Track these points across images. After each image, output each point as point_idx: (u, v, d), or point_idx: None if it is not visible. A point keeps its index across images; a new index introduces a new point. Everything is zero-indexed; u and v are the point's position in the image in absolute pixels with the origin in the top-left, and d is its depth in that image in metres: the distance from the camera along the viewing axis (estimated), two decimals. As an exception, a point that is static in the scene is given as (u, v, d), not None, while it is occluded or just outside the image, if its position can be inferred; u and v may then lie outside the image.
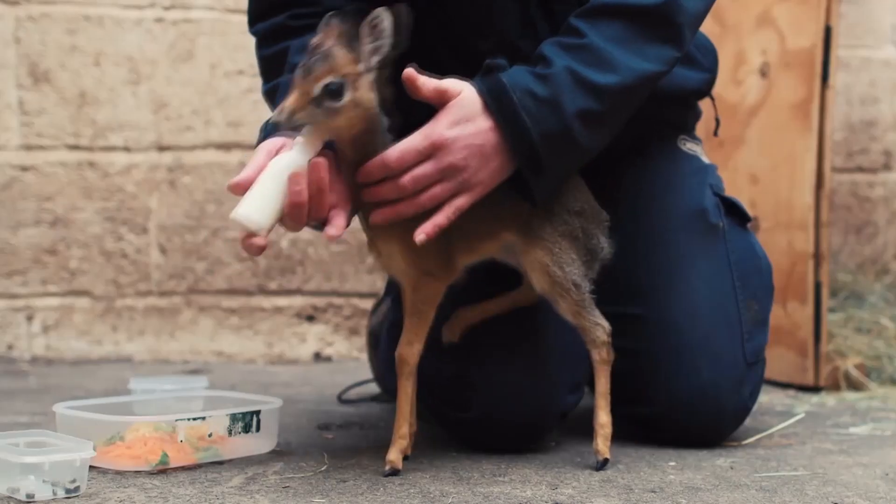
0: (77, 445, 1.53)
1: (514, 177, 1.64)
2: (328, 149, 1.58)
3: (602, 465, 1.70)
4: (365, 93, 1.54)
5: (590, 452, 1.82)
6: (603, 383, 1.71)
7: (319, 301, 3.40)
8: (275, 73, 1.85)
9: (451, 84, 1.60)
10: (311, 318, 3.40)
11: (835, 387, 2.70)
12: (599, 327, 1.71)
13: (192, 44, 3.32)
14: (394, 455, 1.66)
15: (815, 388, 2.68)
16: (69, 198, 3.27)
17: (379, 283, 3.38)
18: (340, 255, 3.40)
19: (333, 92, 1.50)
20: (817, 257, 2.71)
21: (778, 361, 2.70)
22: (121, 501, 1.48)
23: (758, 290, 1.96)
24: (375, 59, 1.54)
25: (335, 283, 3.40)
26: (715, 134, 2.15)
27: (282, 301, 3.38)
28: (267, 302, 3.37)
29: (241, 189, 1.53)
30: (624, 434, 1.98)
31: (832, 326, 2.93)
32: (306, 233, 3.37)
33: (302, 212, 1.54)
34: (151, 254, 3.32)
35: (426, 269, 1.64)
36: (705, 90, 2.07)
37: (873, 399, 2.56)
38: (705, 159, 2.08)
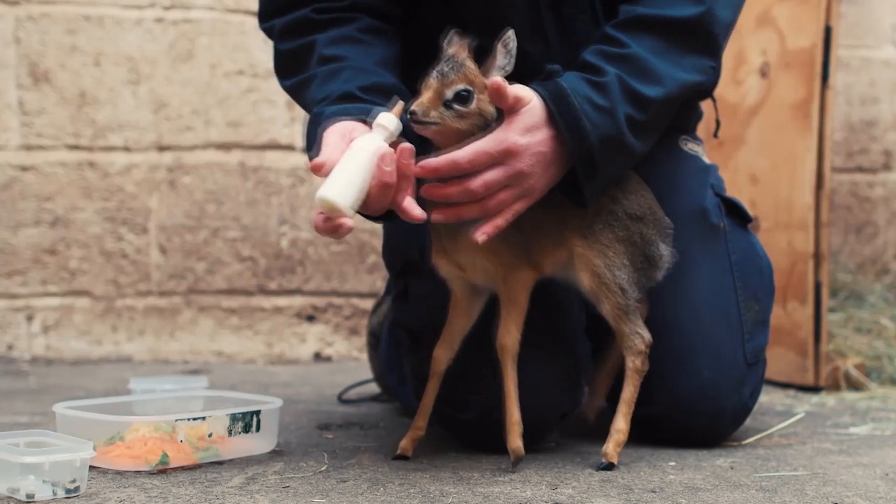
0: (77, 445, 1.52)
1: (563, 181, 1.68)
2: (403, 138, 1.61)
3: (606, 467, 1.70)
4: (487, 103, 1.63)
5: (590, 452, 1.82)
6: (630, 391, 1.74)
7: (319, 301, 3.40)
8: (300, 66, 1.84)
9: (523, 92, 1.62)
10: (311, 318, 3.40)
11: (835, 387, 2.70)
12: (639, 336, 1.74)
13: (192, 44, 3.32)
14: (514, 443, 1.69)
15: (815, 388, 2.68)
16: (69, 198, 3.28)
17: (379, 283, 3.38)
18: (340, 255, 3.41)
19: (464, 98, 1.60)
20: (817, 257, 2.71)
21: (778, 361, 2.70)
22: (121, 501, 1.48)
23: (759, 290, 1.96)
24: (501, 75, 1.62)
25: (335, 283, 3.40)
26: (715, 135, 2.15)
27: (282, 301, 3.38)
28: (267, 302, 3.37)
29: (325, 170, 1.54)
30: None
31: (832, 326, 2.93)
32: (306, 233, 3.37)
33: (389, 193, 1.55)
34: (151, 254, 3.32)
35: (510, 262, 1.69)
36: (708, 91, 2.07)
37: (873, 399, 2.56)
38: (706, 160, 2.08)
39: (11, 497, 1.48)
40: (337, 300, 3.41)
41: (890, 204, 3.66)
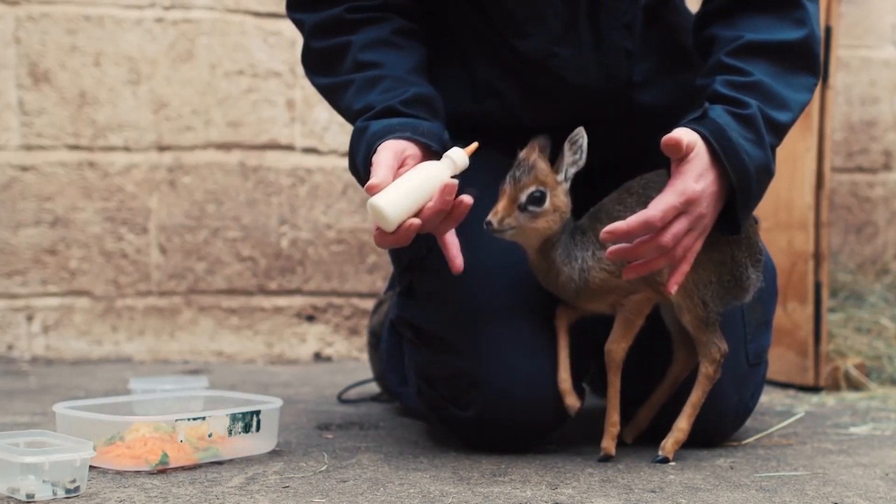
0: (77, 445, 1.52)
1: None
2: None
3: (662, 460, 1.78)
4: (561, 198, 1.72)
5: (590, 452, 1.83)
6: (698, 395, 1.81)
7: (319, 301, 3.40)
8: (334, 67, 1.87)
9: (690, 136, 1.67)
10: (311, 318, 3.40)
11: (835, 387, 2.70)
12: (716, 346, 1.79)
13: (192, 44, 3.32)
14: (607, 442, 1.78)
15: (815, 388, 2.68)
16: (69, 198, 3.28)
17: (379, 283, 3.38)
18: (340, 255, 3.41)
19: (537, 199, 1.70)
20: (817, 257, 2.71)
21: (778, 361, 2.70)
22: (121, 501, 1.48)
23: (761, 292, 1.96)
24: (572, 171, 1.73)
25: (335, 283, 3.40)
26: None
27: (282, 301, 3.38)
28: (267, 302, 3.37)
29: (376, 190, 1.60)
30: (624, 434, 1.98)
31: (832, 326, 2.93)
32: (306, 233, 3.37)
33: (439, 219, 1.63)
34: (151, 254, 3.32)
35: (633, 288, 1.75)
36: None
37: (873, 399, 2.56)
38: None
39: (11, 497, 1.48)
40: (337, 300, 3.41)
41: (890, 204, 3.66)
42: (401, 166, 1.66)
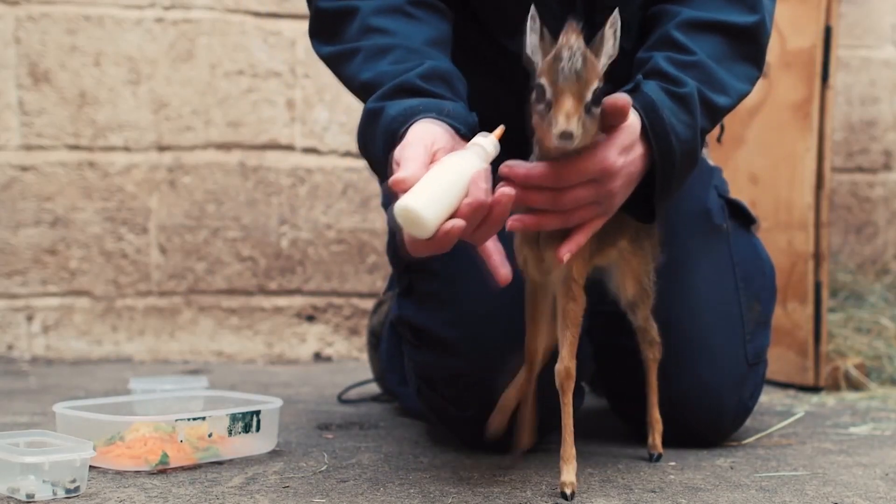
0: (77, 445, 1.52)
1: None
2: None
3: (658, 458, 1.77)
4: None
5: (590, 452, 1.82)
6: (654, 380, 1.80)
7: (319, 301, 3.40)
8: (340, 32, 1.70)
9: (630, 104, 1.50)
10: (311, 318, 3.40)
11: (835, 387, 2.70)
12: (654, 328, 1.79)
13: (192, 44, 3.32)
14: (570, 476, 1.54)
15: (815, 388, 2.68)
16: (69, 198, 3.28)
17: (379, 283, 3.38)
18: (340, 255, 3.41)
19: (598, 98, 1.40)
20: (817, 257, 2.71)
21: (778, 361, 2.70)
22: (121, 501, 1.48)
23: (761, 291, 1.96)
24: (606, 63, 1.45)
25: (335, 283, 3.40)
26: (718, 140, 2.15)
27: (282, 301, 3.38)
28: (267, 302, 3.37)
29: (405, 186, 1.36)
30: (624, 433, 1.98)
31: (832, 326, 2.93)
32: (306, 233, 3.37)
33: (479, 217, 1.38)
34: (151, 254, 3.32)
35: (577, 275, 1.56)
36: None
37: (873, 399, 2.56)
38: (710, 161, 2.08)
39: (11, 497, 1.48)
40: (337, 300, 3.41)
41: (890, 204, 3.66)
42: (431, 162, 1.43)
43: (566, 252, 1.49)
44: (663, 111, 1.57)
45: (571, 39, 1.39)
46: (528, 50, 1.47)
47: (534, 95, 1.41)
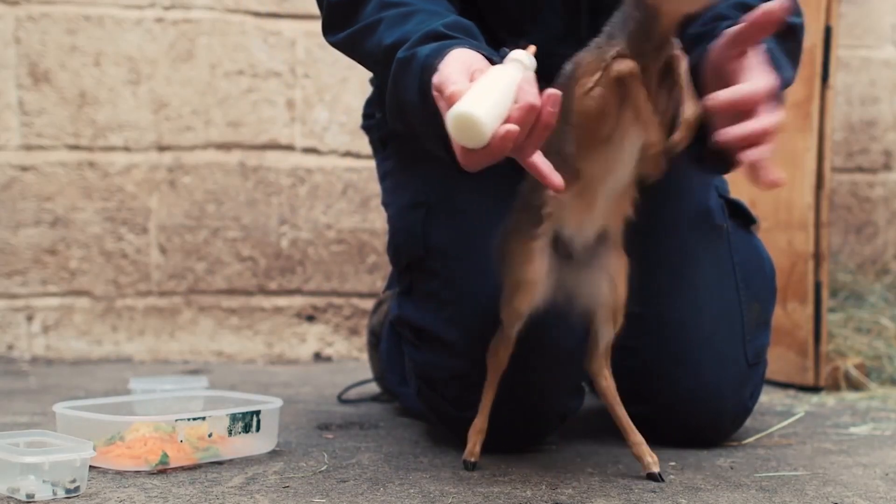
0: (77, 445, 1.52)
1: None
2: None
3: (660, 478, 1.62)
4: None
5: (590, 453, 1.83)
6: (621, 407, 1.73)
7: (319, 301, 3.40)
8: (357, 14, 1.68)
9: None
10: (311, 318, 3.40)
11: (835, 387, 2.70)
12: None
13: (192, 44, 3.32)
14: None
15: (815, 388, 2.68)
16: (69, 198, 3.28)
17: (379, 283, 3.38)
18: (340, 255, 3.41)
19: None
20: (817, 257, 2.71)
21: (778, 361, 2.70)
22: (121, 501, 1.48)
23: (761, 291, 1.95)
24: None
25: (335, 283, 3.40)
26: None
27: (282, 301, 3.38)
28: (267, 302, 3.37)
29: (456, 99, 1.35)
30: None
31: (832, 326, 2.92)
32: (306, 233, 3.37)
33: (532, 116, 1.34)
34: (151, 254, 3.32)
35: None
36: None
37: (873, 399, 2.56)
38: (712, 161, 2.08)
39: (11, 497, 1.48)
40: (337, 300, 3.41)
41: (890, 204, 3.66)
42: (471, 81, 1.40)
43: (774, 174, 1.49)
44: (771, 47, 1.59)
45: None
46: None
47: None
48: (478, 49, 1.48)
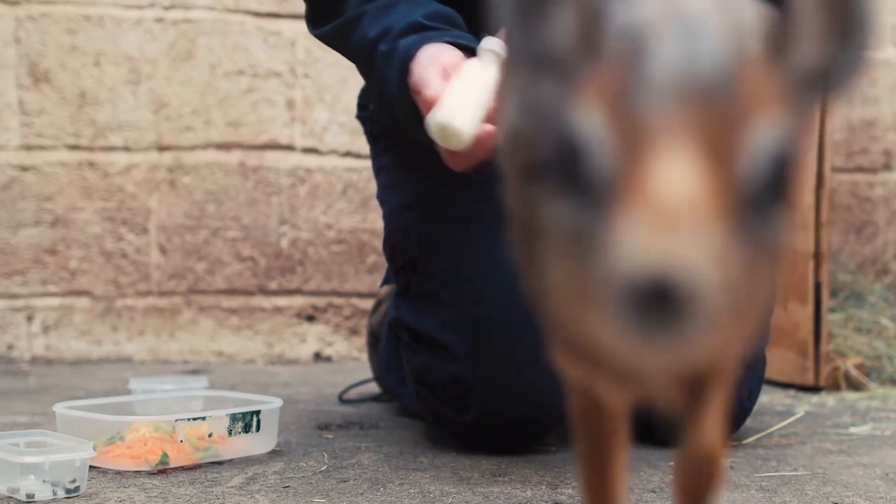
0: (77, 445, 1.52)
1: None
2: None
3: None
4: None
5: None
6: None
7: (319, 301, 3.40)
8: (339, 8, 1.69)
9: None
10: (311, 318, 3.40)
11: (835, 387, 2.70)
12: None
13: (192, 44, 3.32)
14: None
15: (815, 388, 2.68)
16: (69, 198, 3.28)
17: (379, 284, 3.38)
18: (340, 255, 3.41)
19: None
20: (817, 257, 2.71)
21: (778, 361, 2.70)
22: (121, 501, 1.48)
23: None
24: None
25: (335, 283, 3.40)
26: None
27: (282, 301, 3.38)
28: (267, 302, 3.37)
29: (433, 103, 1.37)
30: (624, 434, 1.98)
31: (832, 326, 2.92)
32: (306, 233, 3.37)
33: None
34: (151, 254, 3.32)
35: None
36: None
37: (873, 399, 2.56)
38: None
39: (11, 497, 1.48)
40: (337, 300, 3.41)
41: (890, 204, 3.66)
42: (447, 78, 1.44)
43: None
44: None
45: None
46: None
47: None
48: (456, 41, 1.49)
